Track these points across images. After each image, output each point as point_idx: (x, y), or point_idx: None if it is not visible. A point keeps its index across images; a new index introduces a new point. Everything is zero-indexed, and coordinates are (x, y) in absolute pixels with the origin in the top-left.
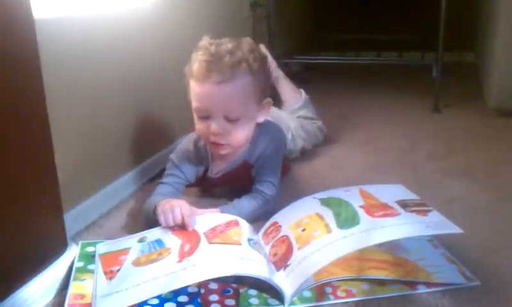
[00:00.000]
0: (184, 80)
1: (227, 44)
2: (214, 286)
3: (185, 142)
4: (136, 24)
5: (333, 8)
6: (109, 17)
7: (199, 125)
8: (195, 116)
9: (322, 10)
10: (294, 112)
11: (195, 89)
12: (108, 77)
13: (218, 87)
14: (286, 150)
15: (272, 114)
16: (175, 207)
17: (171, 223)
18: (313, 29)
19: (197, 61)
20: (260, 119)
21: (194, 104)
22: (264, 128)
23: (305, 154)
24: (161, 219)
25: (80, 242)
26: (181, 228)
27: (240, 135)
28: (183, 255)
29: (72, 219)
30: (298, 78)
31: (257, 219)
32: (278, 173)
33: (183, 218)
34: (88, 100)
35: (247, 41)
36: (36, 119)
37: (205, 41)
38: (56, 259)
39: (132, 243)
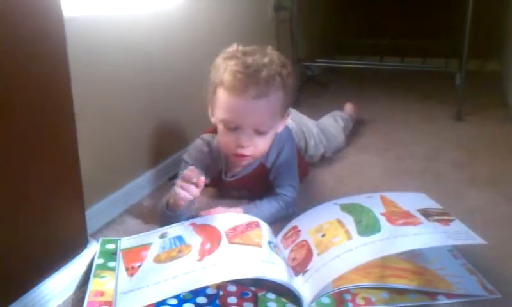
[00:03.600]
0: (208, 85)
1: (260, 56)
2: (232, 288)
3: (199, 144)
4: (159, 26)
5: (356, 13)
6: (134, 18)
7: (225, 136)
8: (221, 126)
9: (345, 14)
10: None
11: (227, 100)
12: (131, 78)
13: (253, 102)
14: (306, 155)
15: (295, 118)
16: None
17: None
18: (336, 33)
19: (230, 72)
20: (280, 129)
21: (223, 115)
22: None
23: (325, 159)
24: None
25: (100, 239)
26: (202, 225)
27: (264, 146)
28: (203, 253)
29: (92, 216)
30: (317, 81)
31: (276, 223)
32: (297, 175)
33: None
34: (111, 100)
35: (276, 54)
36: (62, 117)
37: (235, 48)
38: (76, 256)
39: (153, 238)
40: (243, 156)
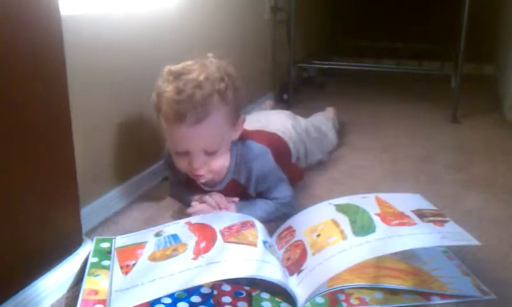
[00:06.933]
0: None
1: (196, 74)
2: (226, 288)
3: (168, 152)
4: (155, 26)
5: (353, 15)
6: (130, 18)
7: (178, 161)
8: (172, 152)
9: (342, 16)
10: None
11: (169, 130)
12: (129, 75)
13: (194, 127)
14: (306, 162)
15: (296, 126)
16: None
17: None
18: (333, 35)
19: (165, 101)
20: (235, 137)
21: (170, 143)
22: (247, 149)
23: (321, 162)
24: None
25: (95, 238)
26: (198, 224)
27: (220, 163)
28: (198, 252)
29: (87, 215)
30: (314, 82)
31: (271, 222)
32: (284, 185)
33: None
34: (108, 98)
35: (216, 65)
36: (58, 116)
37: (167, 72)
38: (71, 254)
39: (148, 237)
40: (201, 176)
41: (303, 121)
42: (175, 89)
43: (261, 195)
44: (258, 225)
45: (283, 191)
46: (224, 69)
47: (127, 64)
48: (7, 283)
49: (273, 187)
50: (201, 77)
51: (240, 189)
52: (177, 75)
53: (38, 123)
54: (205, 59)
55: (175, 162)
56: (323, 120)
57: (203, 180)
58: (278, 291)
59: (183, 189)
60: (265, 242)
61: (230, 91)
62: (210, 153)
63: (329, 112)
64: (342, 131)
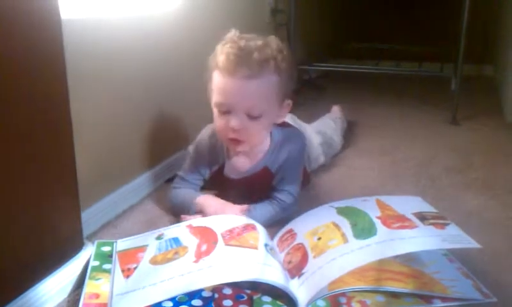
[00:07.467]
0: (206, 73)
1: (256, 40)
2: (228, 291)
3: (203, 134)
4: (156, 29)
5: (353, 17)
6: (132, 21)
7: (218, 120)
8: (215, 111)
9: (342, 19)
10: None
11: (220, 82)
12: (128, 79)
13: (245, 82)
14: (310, 167)
15: (298, 126)
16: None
17: None
18: (333, 37)
19: (224, 54)
20: (279, 120)
21: (216, 98)
22: (286, 135)
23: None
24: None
25: (96, 242)
26: (199, 227)
27: (259, 133)
28: (199, 255)
29: (88, 218)
30: (314, 85)
31: (272, 225)
32: (298, 182)
33: None
34: (108, 102)
35: (275, 40)
36: (58, 119)
37: (233, 34)
38: (72, 258)
39: (150, 240)
40: (237, 141)
41: (303, 125)
42: (236, 46)
43: (274, 186)
44: (260, 228)
45: (294, 188)
46: (284, 47)
47: (129, 66)
48: (7, 286)
49: (290, 179)
50: (262, 44)
51: (268, 180)
52: (240, 38)
53: (38, 125)
54: (264, 36)
55: (215, 124)
56: (329, 123)
57: (239, 148)
58: (279, 294)
59: (188, 192)
60: (266, 245)
61: (285, 64)
62: (252, 118)
63: (335, 111)
64: (351, 133)
